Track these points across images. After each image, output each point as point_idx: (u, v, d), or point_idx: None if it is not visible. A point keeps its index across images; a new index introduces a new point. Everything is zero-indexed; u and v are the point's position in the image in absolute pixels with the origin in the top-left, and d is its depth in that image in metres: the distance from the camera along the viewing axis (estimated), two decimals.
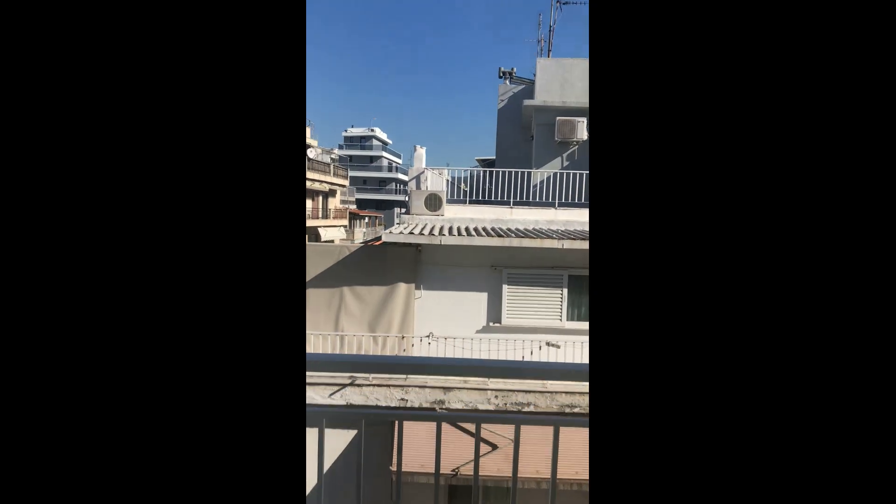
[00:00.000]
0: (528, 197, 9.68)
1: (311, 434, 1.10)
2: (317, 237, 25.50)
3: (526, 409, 7.31)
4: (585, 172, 9.78)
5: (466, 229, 8.35)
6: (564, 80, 11.46)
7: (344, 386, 7.64)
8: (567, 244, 7.51)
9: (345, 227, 31.09)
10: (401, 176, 49.61)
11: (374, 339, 8.11)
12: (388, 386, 7.32)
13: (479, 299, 8.27)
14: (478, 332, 8.22)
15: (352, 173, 41.00)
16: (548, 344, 8.00)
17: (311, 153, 26.51)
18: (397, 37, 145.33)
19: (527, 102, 11.72)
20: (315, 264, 8.25)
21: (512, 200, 9.46)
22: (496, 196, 9.65)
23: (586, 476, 0.94)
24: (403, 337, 8.14)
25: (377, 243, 8.70)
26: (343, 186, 31.97)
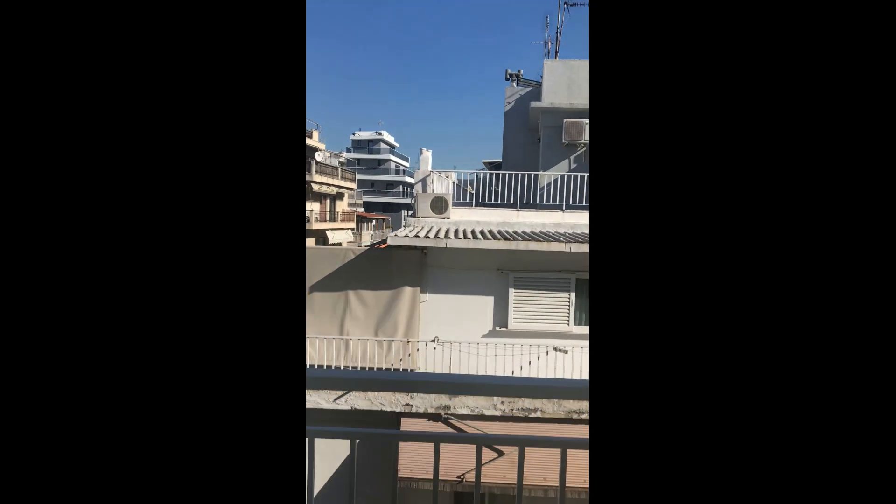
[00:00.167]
0: (534, 200, 9.60)
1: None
2: (325, 240, 25.57)
3: (533, 415, 7.21)
4: None
5: (472, 232, 8.28)
6: (572, 82, 11.39)
7: (349, 390, 7.59)
8: (574, 247, 7.42)
9: (352, 229, 31.18)
10: (408, 179, 49.70)
11: (380, 344, 8.05)
12: (394, 390, 7.25)
13: (486, 303, 8.19)
14: (484, 336, 8.14)
15: (359, 176, 41.13)
16: (555, 349, 7.90)
17: (318, 156, 26.61)
18: (403, 40, 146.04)
19: (534, 104, 11.66)
20: (320, 267, 8.20)
21: (518, 203, 9.39)
22: (503, 199, 9.58)
23: None
24: (409, 341, 8.07)
25: (382, 246, 8.65)
26: (351, 189, 32.07)
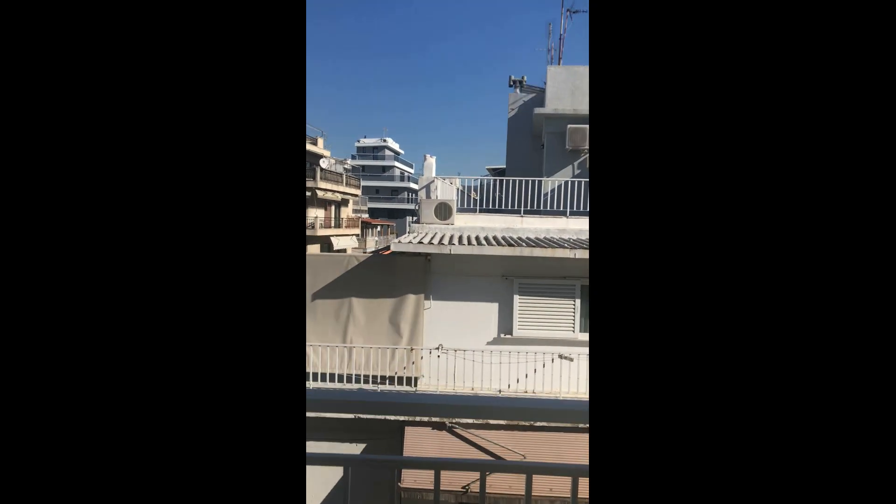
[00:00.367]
0: (539, 206, 9.55)
1: None
2: (329, 246, 25.59)
3: (538, 423, 7.13)
4: None
5: (477, 238, 8.22)
6: (575, 88, 11.36)
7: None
8: (579, 253, 7.36)
9: (357, 235, 31.19)
10: (413, 185, 49.77)
11: (383, 352, 7.98)
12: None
13: (490, 310, 8.13)
14: (488, 343, 8.06)
15: (364, 183, 41.23)
16: (560, 356, 7.82)
17: (323, 163, 26.63)
18: (407, 47, 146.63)
19: (537, 111, 11.63)
20: (323, 274, 8.16)
21: (523, 209, 9.34)
22: (507, 205, 9.53)
23: None
24: (412, 349, 8.01)
25: (386, 253, 8.61)
26: (355, 196, 32.10)
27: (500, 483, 5.81)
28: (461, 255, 7.64)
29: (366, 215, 38.06)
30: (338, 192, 28.07)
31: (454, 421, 7.14)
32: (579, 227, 8.95)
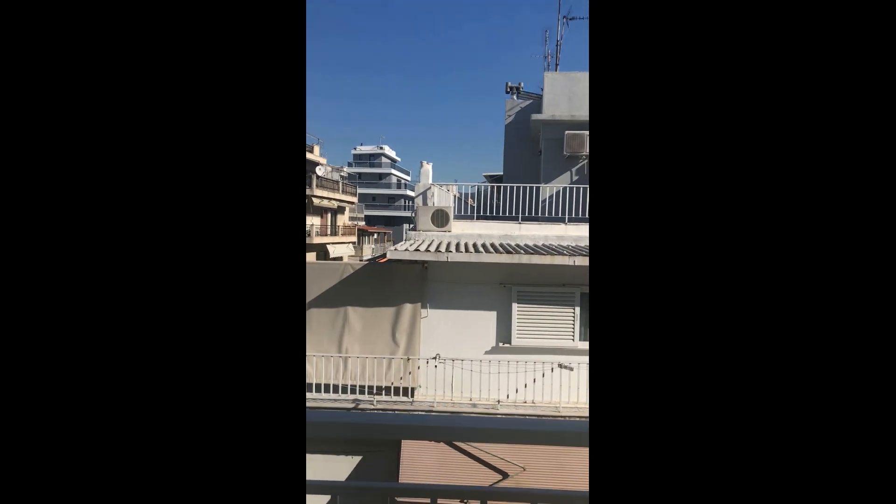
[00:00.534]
0: (536, 212, 9.45)
1: None
2: (325, 254, 25.46)
3: None
4: None
5: (474, 245, 8.10)
6: (573, 94, 11.30)
7: (349, 410, 7.38)
8: (578, 261, 7.24)
9: (353, 243, 31.08)
10: (409, 192, 49.73)
11: (379, 362, 7.84)
12: (395, 411, 7.06)
13: (488, 318, 8.00)
14: (487, 353, 7.93)
15: (361, 190, 41.15)
16: (560, 366, 7.69)
17: (319, 171, 26.57)
18: (405, 50, 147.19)
19: (535, 117, 11.56)
20: (318, 283, 8.02)
21: (520, 216, 9.23)
22: (504, 211, 9.43)
23: None
24: (409, 359, 7.86)
25: (382, 260, 8.49)
26: (352, 203, 32.01)
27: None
28: (458, 262, 7.52)
29: (362, 223, 37.98)
30: (334, 199, 27.99)
31: None
32: (578, 233, 8.84)
